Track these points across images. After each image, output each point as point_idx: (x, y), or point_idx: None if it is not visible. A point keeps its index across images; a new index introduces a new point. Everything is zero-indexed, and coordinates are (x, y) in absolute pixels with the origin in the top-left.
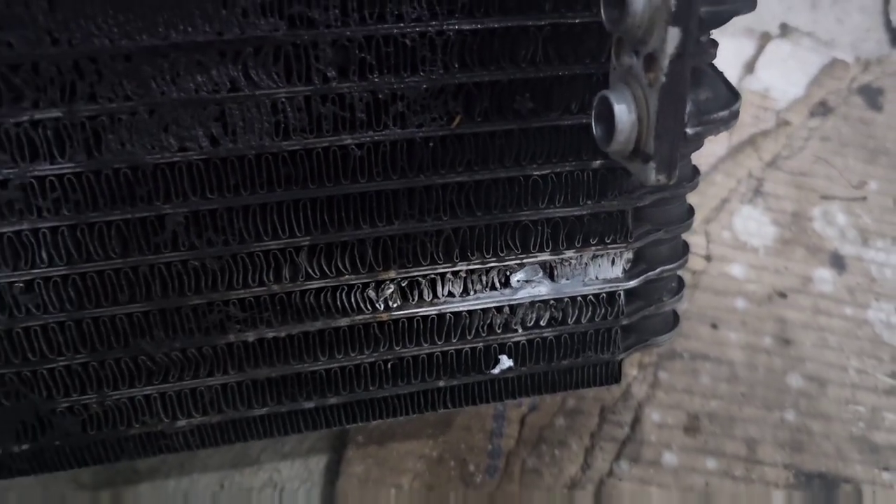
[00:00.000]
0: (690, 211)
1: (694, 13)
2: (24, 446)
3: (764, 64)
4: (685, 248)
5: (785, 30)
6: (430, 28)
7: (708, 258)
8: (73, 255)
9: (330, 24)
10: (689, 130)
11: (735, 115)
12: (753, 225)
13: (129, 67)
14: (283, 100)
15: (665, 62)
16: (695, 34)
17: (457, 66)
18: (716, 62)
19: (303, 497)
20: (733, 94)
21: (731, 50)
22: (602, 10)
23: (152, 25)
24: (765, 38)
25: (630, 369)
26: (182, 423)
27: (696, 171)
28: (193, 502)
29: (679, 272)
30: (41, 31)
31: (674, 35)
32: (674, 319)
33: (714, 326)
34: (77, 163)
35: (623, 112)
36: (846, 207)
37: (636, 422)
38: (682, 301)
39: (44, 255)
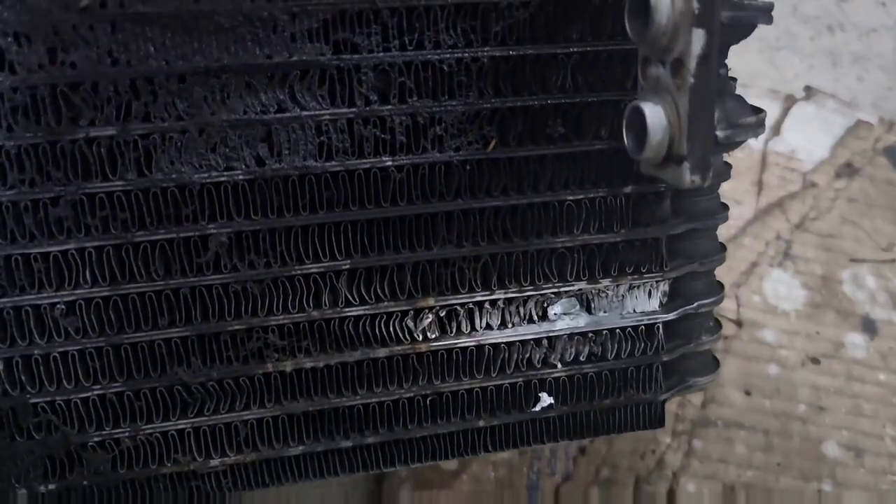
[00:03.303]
0: (722, 247)
1: (717, 14)
2: (52, 486)
3: (789, 126)
4: (720, 286)
5: (809, 92)
6: (465, 54)
7: (739, 323)
8: (116, 276)
9: (372, 49)
10: (719, 133)
11: (762, 123)
12: (783, 289)
13: (183, 88)
14: (327, 121)
15: (692, 63)
16: (718, 35)
17: (491, 91)
18: None
19: None
20: (757, 108)
21: None
22: (627, 24)
23: (207, 48)
24: (789, 101)
25: (664, 437)
26: (215, 462)
27: (724, 207)
28: None
29: (715, 314)
30: (103, 52)
31: (698, 37)
32: (714, 362)
33: (748, 393)
34: (127, 181)
35: (654, 116)
36: (875, 270)
37: (671, 493)
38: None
39: (87, 275)
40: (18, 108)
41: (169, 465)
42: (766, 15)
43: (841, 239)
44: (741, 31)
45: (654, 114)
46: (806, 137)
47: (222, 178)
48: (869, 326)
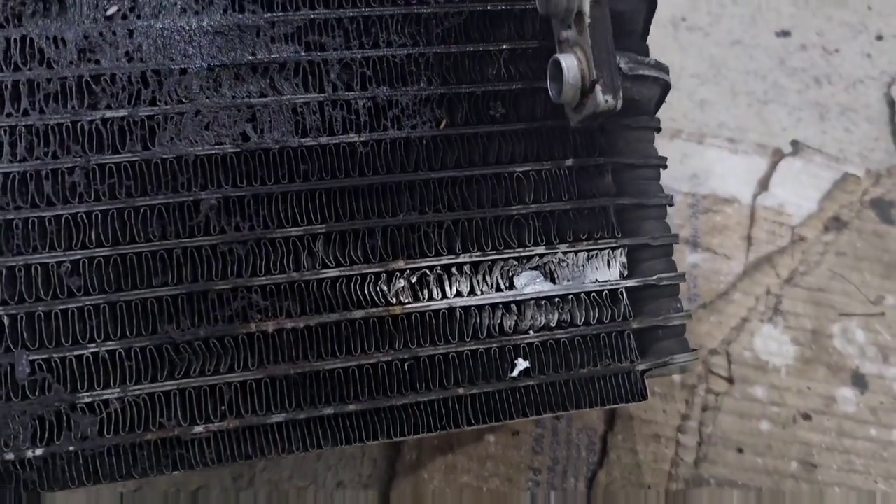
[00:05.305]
0: (676, 237)
1: None
2: (38, 451)
3: (777, 181)
4: (681, 277)
5: (796, 147)
6: (413, 51)
7: (731, 380)
8: (118, 237)
9: (337, 48)
10: (623, 66)
11: (664, 69)
12: (774, 345)
13: (183, 79)
14: (301, 105)
15: (587, 8)
16: None
17: (438, 80)
18: (732, 179)
19: None
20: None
21: (745, 168)
22: (537, 4)
23: (204, 50)
24: (777, 155)
25: (658, 501)
26: (199, 428)
27: (668, 196)
28: None
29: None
30: (121, 52)
31: None
32: (690, 348)
33: (740, 451)
34: (134, 153)
35: (568, 60)
36: (865, 324)
37: None
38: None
39: (92, 236)
40: (50, 94)
41: (154, 430)
42: None
43: (830, 293)
44: None
45: (568, 60)
46: (794, 192)
47: (213, 151)
48: (859, 381)
